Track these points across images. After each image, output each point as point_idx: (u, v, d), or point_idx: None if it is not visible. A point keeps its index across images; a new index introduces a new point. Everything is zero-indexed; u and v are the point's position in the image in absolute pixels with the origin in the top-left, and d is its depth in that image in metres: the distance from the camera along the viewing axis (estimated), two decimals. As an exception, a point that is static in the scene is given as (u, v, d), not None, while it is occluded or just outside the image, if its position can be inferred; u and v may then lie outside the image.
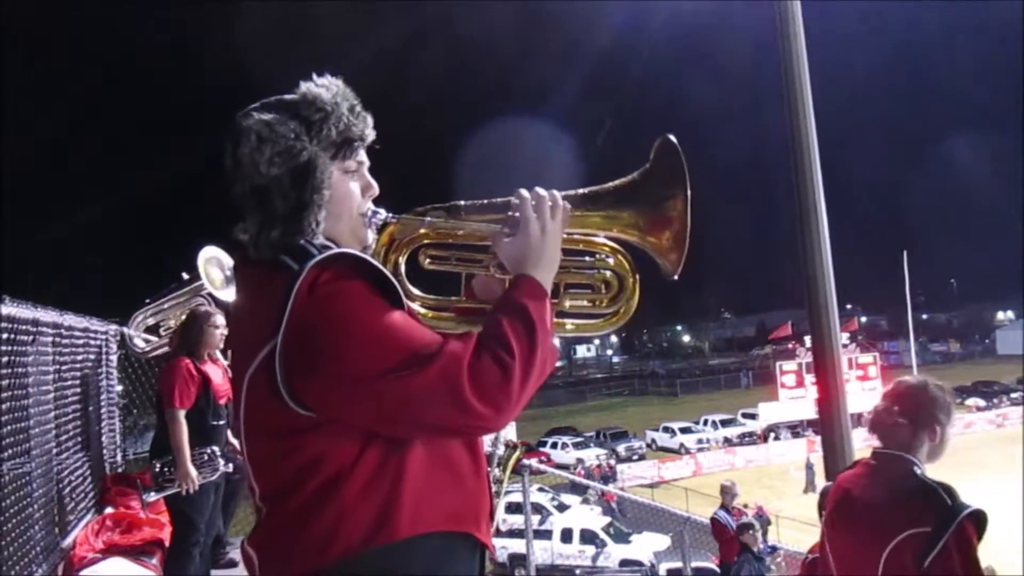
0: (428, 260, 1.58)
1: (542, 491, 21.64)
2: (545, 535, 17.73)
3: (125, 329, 5.81)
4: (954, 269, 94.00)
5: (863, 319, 60.77)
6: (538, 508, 18.63)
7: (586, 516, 20.57)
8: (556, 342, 1.44)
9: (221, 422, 4.56)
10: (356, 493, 1.25)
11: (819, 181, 6.02)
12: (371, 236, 1.48)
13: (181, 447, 4.34)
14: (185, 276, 5.14)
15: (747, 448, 34.15)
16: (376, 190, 1.48)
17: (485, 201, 1.54)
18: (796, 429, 34.33)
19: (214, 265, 4.92)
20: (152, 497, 4.56)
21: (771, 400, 33.59)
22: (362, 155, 1.46)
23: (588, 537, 18.54)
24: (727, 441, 35.34)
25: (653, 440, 36.82)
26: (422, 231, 1.54)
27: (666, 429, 36.70)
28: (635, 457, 33.82)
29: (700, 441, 35.23)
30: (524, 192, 1.47)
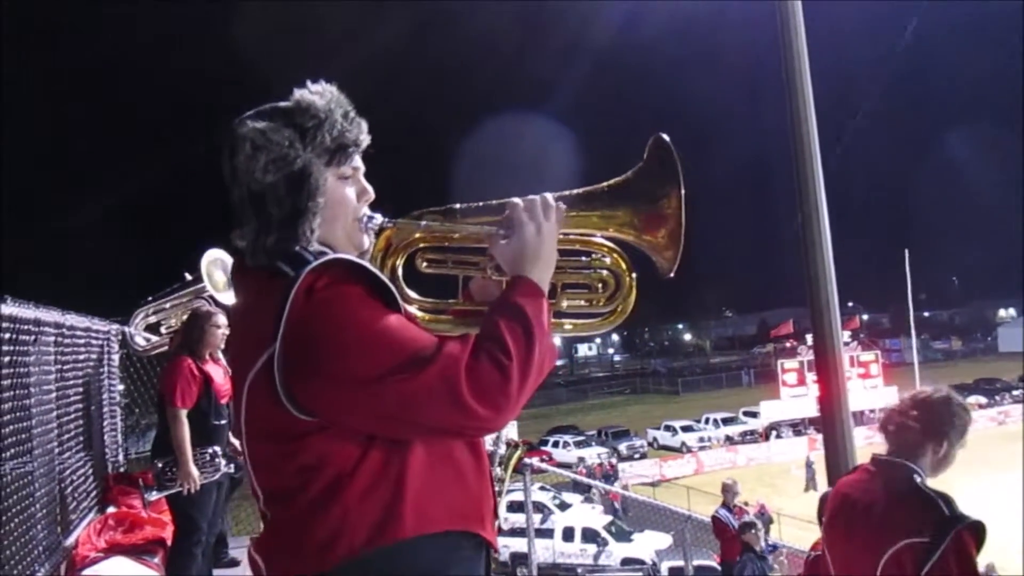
0: (425, 263, 1.58)
1: (544, 490, 21.66)
2: (547, 534, 17.75)
3: (126, 328, 5.82)
4: (956, 267, 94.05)
5: (865, 317, 60.75)
6: (540, 507, 18.63)
7: (588, 515, 20.59)
8: (557, 341, 1.45)
9: (223, 421, 4.57)
10: (359, 494, 1.26)
11: (820, 179, 6.01)
12: (368, 241, 1.49)
13: (183, 447, 4.35)
14: (188, 277, 5.14)
15: (749, 446, 34.14)
16: (372, 195, 1.49)
17: (481, 203, 1.55)
18: (798, 427, 34.33)
19: (217, 267, 4.92)
20: (154, 496, 4.57)
21: (773, 398, 33.60)
22: (357, 161, 1.47)
23: (590, 536, 18.55)
24: (729, 439, 35.34)
25: (655, 438, 36.81)
26: (418, 235, 1.55)
27: (668, 427, 36.69)
28: (637, 456, 33.82)
29: (702, 439, 35.22)
30: (517, 199, 1.49)
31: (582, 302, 1.62)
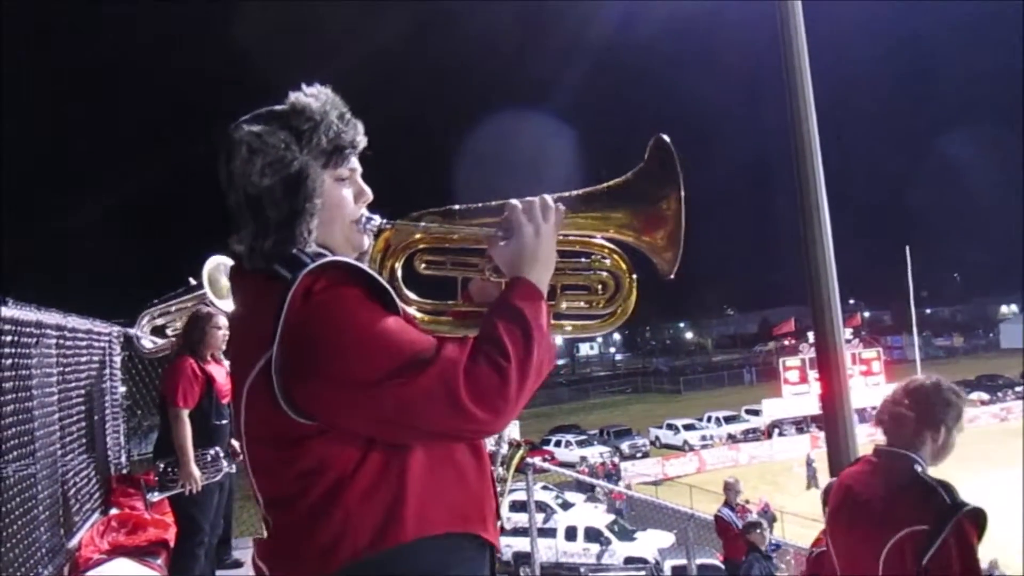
0: (424, 265, 1.58)
1: (546, 489, 21.66)
2: (549, 533, 17.75)
3: (129, 331, 5.83)
4: (957, 263, 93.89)
5: (866, 314, 60.60)
6: (542, 506, 18.64)
7: (590, 514, 20.59)
8: (557, 341, 1.44)
9: (224, 421, 4.57)
10: (360, 497, 1.26)
11: (821, 176, 6.00)
12: (367, 242, 1.49)
13: (185, 447, 4.35)
14: (192, 282, 5.14)
15: (751, 444, 34.14)
16: (370, 196, 1.48)
17: (480, 205, 1.54)
18: (800, 425, 34.32)
19: (222, 273, 4.92)
20: (156, 497, 4.58)
21: (775, 396, 33.59)
22: (354, 162, 1.46)
23: (592, 535, 18.56)
24: (731, 438, 35.34)
25: (657, 437, 36.82)
26: (417, 236, 1.54)
27: (670, 426, 36.69)
28: (639, 455, 33.83)
29: (704, 438, 35.21)
30: (516, 200, 1.48)
31: (582, 304, 1.61)
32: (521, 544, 14.45)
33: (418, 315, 1.55)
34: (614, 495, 22.06)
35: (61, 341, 4.65)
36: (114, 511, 5.13)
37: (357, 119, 1.44)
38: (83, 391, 5.26)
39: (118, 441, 6.25)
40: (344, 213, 1.44)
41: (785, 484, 27.41)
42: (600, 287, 1.60)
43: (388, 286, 1.34)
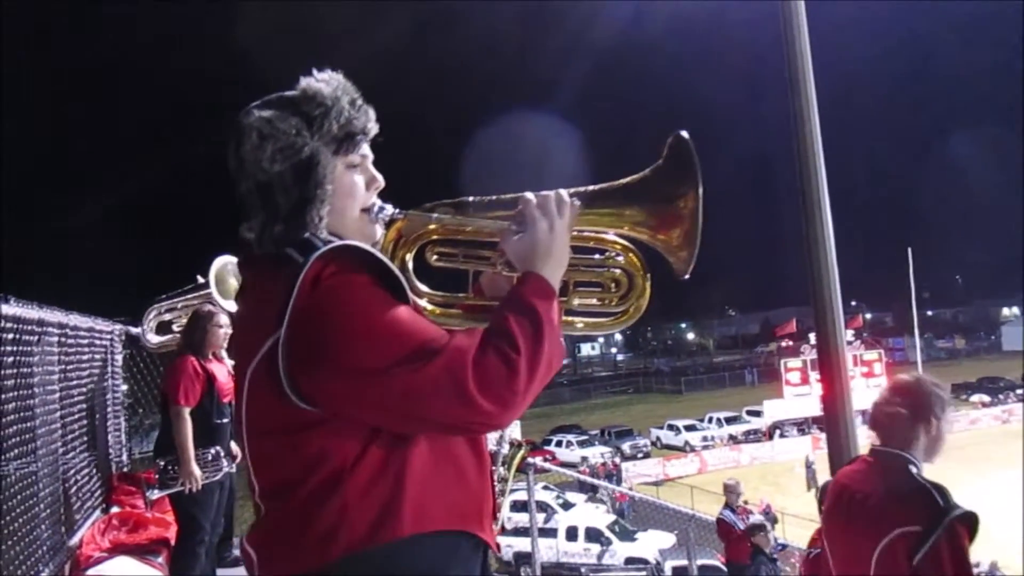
0: (435, 257, 1.56)
1: (547, 489, 21.66)
2: (550, 533, 17.75)
3: (131, 329, 5.83)
4: (959, 265, 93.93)
5: (868, 316, 60.51)
6: (543, 506, 18.64)
7: (591, 514, 20.58)
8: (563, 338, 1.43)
9: (225, 420, 4.57)
10: (359, 490, 1.24)
11: (823, 177, 5.99)
12: (379, 231, 1.47)
13: (185, 445, 4.35)
14: (200, 280, 5.14)
15: (752, 445, 34.13)
16: (381, 183, 1.47)
17: (494, 197, 1.52)
18: (801, 426, 34.28)
19: (230, 273, 4.91)
20: (156, 494, 4.59)
21: (776, 397, 33.56)
22: (365, 149, 1.44)
23: (593, 535, 18.56)
24: (732, 438, 35.32)
25: (658, 438, 36.81)
26: (430, 227, 1.52)
27: (671, 427, 36.68)
28: (640, 455, 33.82)
29: (705, 439, 35.21)
30: (530, 194, 1.46)
31: (594, 301, 1.59)
32: (522, 544, 14.47)
33: (428, 307, 1.53)
34: (618, 497, 22.04)
35: (63, 339, 4.64)
36: (115, 509, 5.12)
37: (369, 105, 1.42)
38: (85, 389, 5.26)
39: (119, 439, 6.25)
40: (355, 200, 1.42)
41: (786, 485, 27.39)
42: (613, 285, 1.58)
43: (400, 274, 1.32)
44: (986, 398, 38.74)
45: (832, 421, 6.01)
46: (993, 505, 18.38)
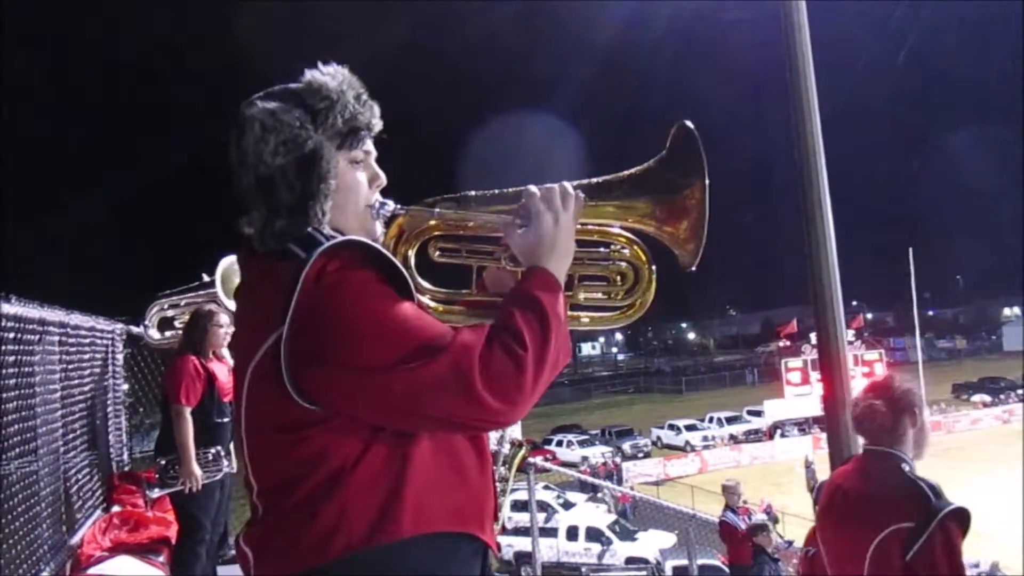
0: (438, 252, 1.54)
1: (548, 489, 21.66)
2: (551, 533, 17.75)
3: (132, 328, 5.82)
4: (960, 265, 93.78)
5: (869, 316, 60.51)
6: (544, 506, 18.63)
7: (592, 514, 20.58)
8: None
9: (226, 420, 4.57)
10: (359, 489, 1.22)
11: (824, 177, 5.99)
12: (380, 228, 1.45)
13: (186, 444, 4.35)
14: (206, 278, 5.14)
15: (753, 445, 34.10)
16: (384, 180, 1.45)
17: (496, 191, 1.50)
18: (802, 426, 34.26)
19: (236, 274, 4.90)
20: (156, 493, 4.59)
21: (777, 397, 33.54)
22: (369, 145, 1.43)
23: (594, 535, 18.56)
24: (733, 438, 35.29)
25: (659, 437, 36.80)
26: (432, 223, 1.49)
27: (671, 426, 36.66)
28: (640, 455, 33.81)
29: (706, 438, 35.18)
30: (534, 187, 1.44)
31: (599, 295, 1.57)
32: (523, 544, 14.47)
33: (431, 304, 1.51)
34: (621, 498, 22.04)
35: (64, 338, 4.64)
36: (116, 508, 5.12)
37: (373, 101, 1.40)
38: (86, 388, 5.26)
39: (120, 438, 6.25)
40: (358, 197, 1.40)
41: (787, 485, 27.37)
42: (619, 278, 1.55)
43: (403, 270, 1.30)
44: (987, 398, 38.72)
45: (833, 421, 6.00)
46: (994, 505, 18.38)
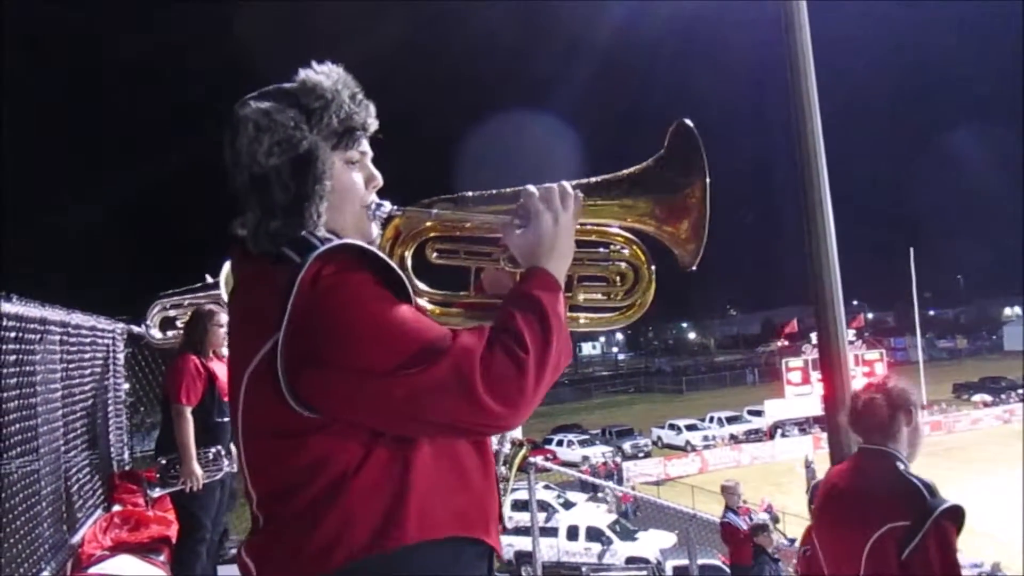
0: (435, 254, 1.51)
1: (548, 489, 21.66)
2: (551, 533, 17.74)
3: (134, 327, 5.82)
4: (961, 265, 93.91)
5: (870, 315, 60.53)
6: (544, 505, 18.63)
7: (592, 513, 20.58)
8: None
9: (226, 419, 4.57)
10: (362, 496, 1.20)
11: (825, 177, 5.98)
12: (376, 229, 1.42)
13: (187, 444, 4.35)
14: (209, 279, 5.14)
15: (753, 445, 34.09)
16: (380, 181, 1.42)
17: (494, 191, 1.48)
18: (803, 426, 34.26)
19: None
20: (156, 493, 4.59)
21: (777, 397, 33.54)
22: (365, 145, 1.40)
23: (594, 534, 18.56)
24: (733, 438, 35.28)
25: (659, 437, 36.80)
26: (428, 224, 1.47)
27: (672, 426, 36.66)
28: (641, 455, 33.82)
29: (706, 438, 35.17)
30: (532, 187, 1.42)
31: (599, 296, 1.55)
32: (523, 543, 14.43)
33: (428, 306, 1.49)
34: (623, 498, 22.04)
35: (65, 338, 4.64)
36: (117, 508, 5.13)
37: (369, 100, 1.38)
38: (86, 388, 5.26)
39: (121, 438, 6.25)
40: (354, 198, 1.38)
41: (787, 485, 27.35)
42: (618, 278, 1.54)
43: (401, 272, 1.28)
44: (988, 398, 38.70)
45: (833, 421, 6.00)
46: (995, 505, 18.38)
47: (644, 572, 15.38)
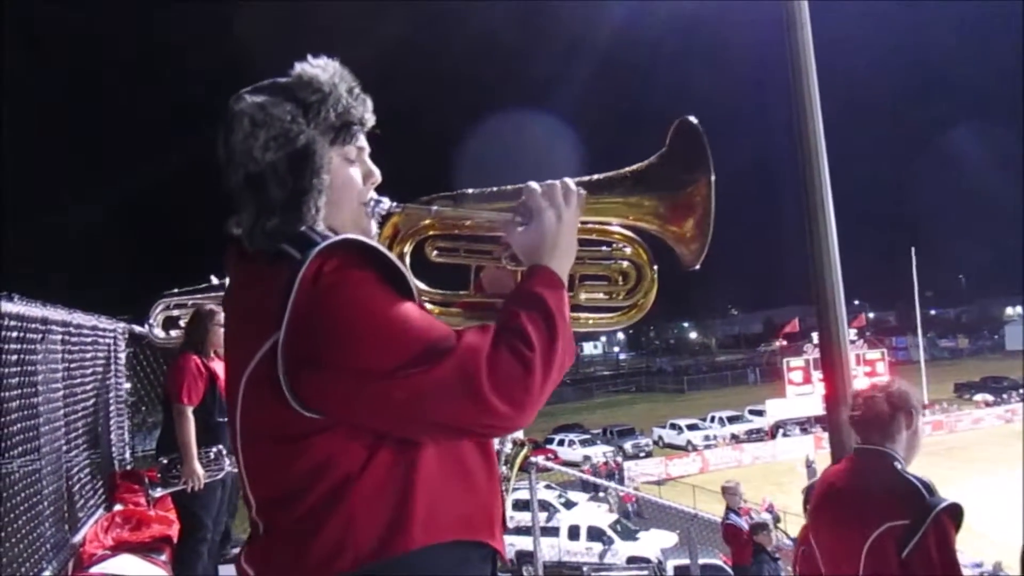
0: (435, 252, 1.48)
1: (549, 488, 21.66)
2: (552, 532, 17.73)
3: (135, 327, 5.82)
4: (962, 265, 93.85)
5: (871, 315, 60.54)
6: (545, 505, 18.62)
7: (593, 513, 20.58)
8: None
9: (227, 419, 4.58)
10: (365, 500, 1.16)
11: (826, 176, 5.98)
12: (374, 226, 1.39)
13: (188, 444, 4.36)
14: (215, 280, 5.14)
15: (754, 445, 34.10)
16: (378, 177, 1.39)
17: (495, 189, 1.45)
18: (804, 425, 34.25)
19: None
20: (158, 492, 4.59)
21: (778, 397, 33.52)
22: (362, 140, 1.36)
23: (595, 534, 18.56)
24: (734, 438, 35.30)
25: (660, 437, 36.81)
26: (428, 221, 1.44)
27: (673, 426, 36.67)
28: (642, 454, 33.85)
29: (707, 438, 35.18)
30: (534, 184, 1.39)
31: (601, 295, 1.52)
32: (524, 543, 14.42)
33: (428, 306, 1.45)
34: (624, 497, 22.03)
35: (66, 337, 4.64)
36: (118, 507, 5.13)
37: (366, 94, 1.35)
38: (88, 387, 5.26)
39: (122, 437, 6.25)
40: (352, 194, 1.34)
41: (788, 485, 27.33)
42: (621, 278, 1.51)
43: (404, 268, 1.25)
44: (989, 397, 38.69)
45: (835, 420, 6.00)
46: (996, 505, 18.37)
47: (645, 572, 15.38)
